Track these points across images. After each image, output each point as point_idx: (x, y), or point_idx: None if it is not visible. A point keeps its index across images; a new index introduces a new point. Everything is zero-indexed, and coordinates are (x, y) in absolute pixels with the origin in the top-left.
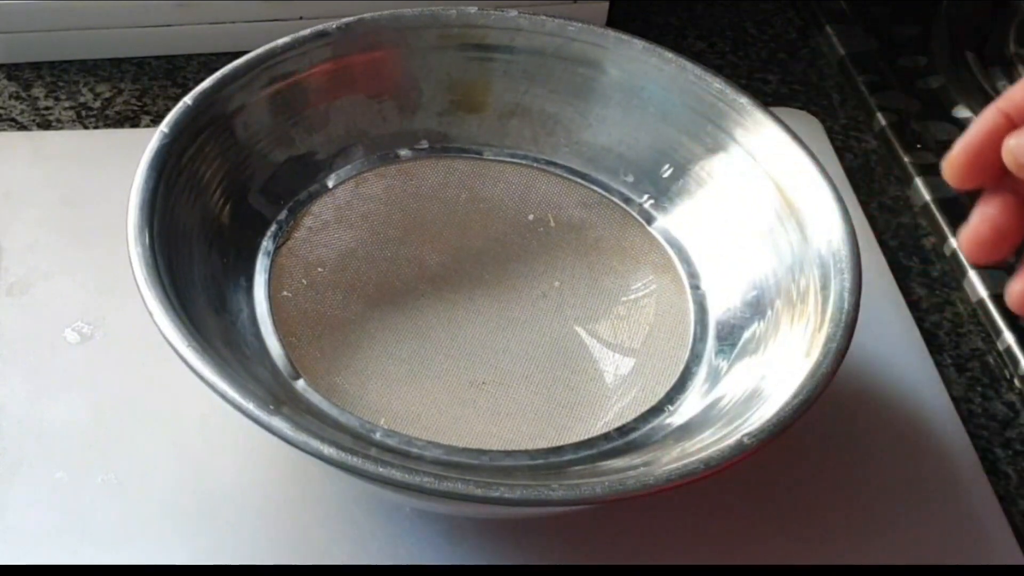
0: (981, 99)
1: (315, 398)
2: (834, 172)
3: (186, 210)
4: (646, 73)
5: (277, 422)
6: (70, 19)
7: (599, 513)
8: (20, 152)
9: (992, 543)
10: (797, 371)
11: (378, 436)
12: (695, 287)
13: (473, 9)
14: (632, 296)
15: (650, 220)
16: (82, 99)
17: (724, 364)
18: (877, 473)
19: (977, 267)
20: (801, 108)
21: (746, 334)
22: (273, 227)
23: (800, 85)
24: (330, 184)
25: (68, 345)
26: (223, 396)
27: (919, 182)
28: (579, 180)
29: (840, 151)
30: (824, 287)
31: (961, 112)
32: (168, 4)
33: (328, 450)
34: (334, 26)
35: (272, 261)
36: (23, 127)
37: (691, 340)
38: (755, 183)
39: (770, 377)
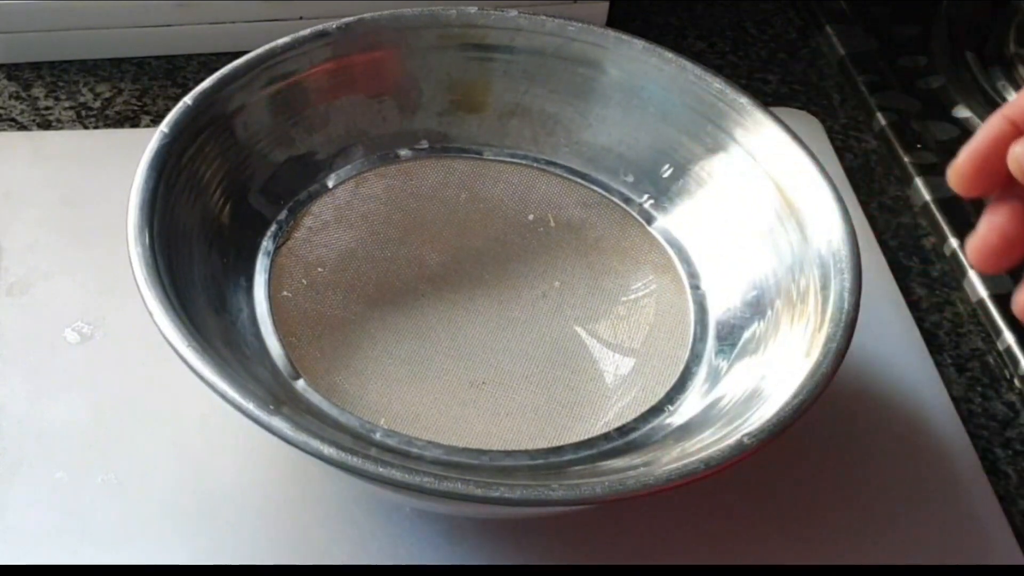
0: (981, 99)
1: (315, 398)
2: (834, 172)
3: (186, 210)
4: (646, 73)
5: (277, 422)
6: (70, 19)
7: (599, 513)
8: (20, 152)
9: (992, 543)
10: (797, 371)
11: (378, 436)
12: (695, 287)
13: (473, 9)
14: (632, 296)
15: (650, 220)
16: (82, 99)
17: (724, 364)
18: (877, 473)
19: (984, 275)
20: (801, 108)
21: (746, 334)
22: (273, 227)
23: (800, 85)
24: (330, 184)
25: (68, 345)
26: (223, 396)
27: (919, 182)
28: (579, 180)
29: (840, 151)
30: (824, 287)
31: (961, 112)
32: (168, 4)
33: (328, 450)
34: (334, 26)
35: (272, 261)
36: (23, 127)
37: (691, 340)
38: (755, 183)
39: (770, 377)
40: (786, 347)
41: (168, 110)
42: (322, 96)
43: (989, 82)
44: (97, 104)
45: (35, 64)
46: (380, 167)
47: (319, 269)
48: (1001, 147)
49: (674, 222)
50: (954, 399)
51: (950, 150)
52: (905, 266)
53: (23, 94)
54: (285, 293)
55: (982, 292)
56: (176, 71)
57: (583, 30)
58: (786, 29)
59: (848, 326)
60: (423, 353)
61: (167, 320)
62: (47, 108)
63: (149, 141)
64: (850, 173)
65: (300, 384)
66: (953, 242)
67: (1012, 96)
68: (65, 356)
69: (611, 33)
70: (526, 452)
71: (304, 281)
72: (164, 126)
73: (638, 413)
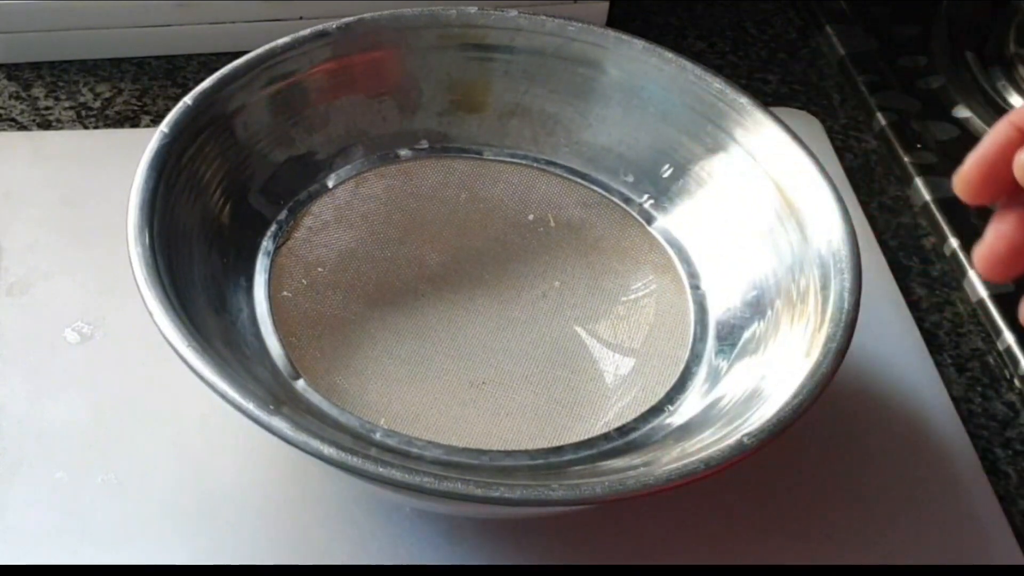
0: (981, 99)
1: (315, 398)
2: (834, 172)
3: (186, 210)
4: (646, 73)
5: (277, 422)
6: (70, 19)
7: (599, 513)
8: (20, 152)
9: (992, 543)
10: (797, 371)
11: (378, 436)
12: (695, 287)
13: (473, 9)
14: (632, 296)
15: (650, 220)
16: (82, 99)
17: (724, 364)
18: (877, 473)
19: (992, 283)
20: (801, 108)
21: (746, 334)
22: (273, 227)
23: (800, 85)
24: (330, 184)
25: (68, 345)
26: (223, 396)
27: (919, 182)
28: (579, 180)
29: (840, 151)
30: (824, 287)
31: (961, 112)
32: (168, 4)
33: (328, 450)
34: (334, 26)
35: (272, 261)
36: (23, 127)
37: (691, 340)
38: (755, 183)
39: (770, 377)
40: (786, 347)
41: (168, 110)
42: (322, 96)
43: (989, 82)
44: (97, 104)
45: (35, 64)
46: (380, 167)
47: (319, 269)
48: (1008, 154)
49: (674, 222)
50: (954, 399)
51: (950, 150)
52: (905, 266)
53: (23, 94)
54: (285, 293)
55: (982, 292)
56: (176, 71)
57: (583, 30)
58: (786, 29)
59: (848, 326)
60: (423, 353)
61: (167, 320)
62: (47, 108)
63: (149, 141)
64: (850, 173)
65: (300, 384)
66: (953, 242)
67: (1012, 96)
68: (65, 356)
69: (611, 33)
70: (526, 452)
71: (304, 281)
72: (164, 126)
73: (638, 413)
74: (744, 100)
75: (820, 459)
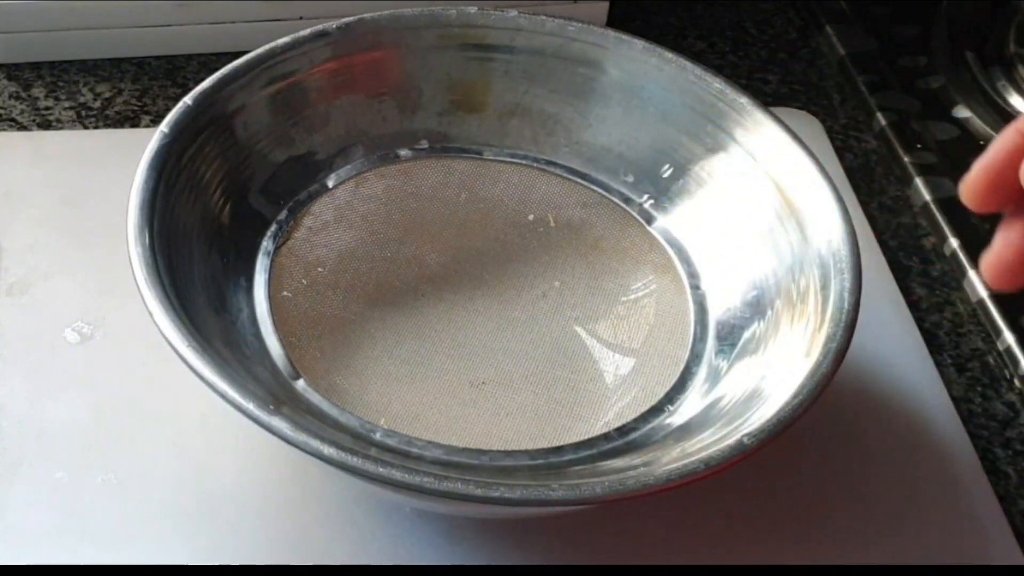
0: (981, 99)
1: (315, 398)
2: (834, 172)
3: (186, 210)
4: (646, 73)
5: (277, 422)
6: (70, 19)
7: (599, 513)
8: (20, 152)
9: (992, 543)
10: (797, 371)
11: (378, 436)
12: (695, 287)
13: (473, 9)
14: (632, 296)
15: (650, 220)
16: (82, 99)
17: (724, 364)
18: (877, 473)
19: (1000, 293)
20: (801, 108)
21: (746, 334)
22: (273, 227)
23: (800, 85)
24: (330, 184)
25: (68, 345)
26: (223, 396)
27: (919, 182)
28: (579, 180)
29: (840, 151)
30: (824, 287)
31: (961, 112)
32: (168, 4)
33: (328, 450)
34: (334, 26)
35: (272, 261)
36: (23, 127)
37: (691, 340)
38: (755, 183)
39: (770, 377)
40: (786, 347)
41: (168, 110)
42: (322, 96)
43: (989, 82)
44: (97, 104)
45: (35, 64)
46: (380, 167)
47: (319, 269)
48: (1014, 161)
49: (674, 222)
50: (954, 399)
51: (950, 150)
52: (905, 266)
53: (23, 94)
54: (285, 293)
55: (982, 292)
56: (176, 71)
57: (583, 30)
58: (786, 29)
59: (848, 326)
60: (423, 353)
61: (167, 320)
62: (47, 108)
63: (149, 141)
64: (850, 173)
65: (300, 384)
66: (953, 242)
67: (1012, 96)
68: (65, 356)
69: (611, 33)
70: (526, 452)
71: (304, 281)
72: (164, 126)
73: (638, 413)
74: (744, 100)
75: (820, 459)
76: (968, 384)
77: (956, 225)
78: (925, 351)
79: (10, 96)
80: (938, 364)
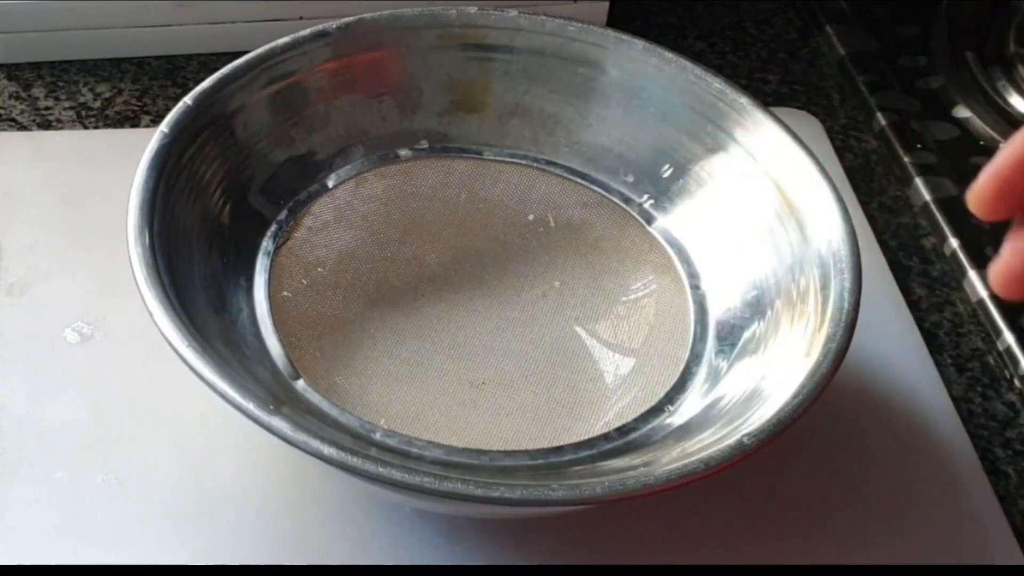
0: (981, 99)
1: (315, 398)
2: (834, 172)
3: (186, 210)
4: (646, 73)
5: (277, 422)
6: (70, 19)
7: (599, 513)
8: (20, 152)
9: (992, 543)
10: (797, 371)
11: (378, 436)
12: (695, 287)
13: (473, 9)
14: (632, 296)
15: (650, 220)
16: (82, 99)
17: (724, 364)
18: (877, 473)
19: (1009, 303)
20: (801, 108)
21: (746, 334)
22: (273, 227)
23: (800, 85)
24: (330, 184)
25: (68, 345)
26: (223, 396)
27: (919, 182)
28: (579, 180)
29: (840, 151)
30: (824, 287)
31: (961, 112)
32: (168, 4)
33: (328, 450)
34: (334, 26)
35: (272, 261)
36: (23, 127)
37: (691, 340)
38: (755, 183)
39: (770, 377)
40: (786, 347)
41: (168, 110)
42: (322, 96)
43: (989, 82)
44: (97, 104)
45: (35, 64)
46: (380, 167)
47: (319, 269)
48: (1023, 168)
49: (674, 222)
50: (954, 399)
51: (950, 150)
52: (905, 266)
53: (23, 94)
54: (285, 293)
55: (982, 292)
56: (176, 71)
57: (583, 30)
58: (786, 29)
59: (848, 326)
60: (423, 353)
61: (167, 320)
62: (47, 108)
63: (149, 141)
64: (850, 173)
65: (300, 384)
66: (953, 242)
67: (1012, 96)
68: (65, 356)
69: (611, 33)
70: (526, 452)
71: (304, 281)
72: (164, 126)
73: (638, 413)
74: (744, 100)
75: (820, 459)
76: (968, 384)
77: (956, 225)
78: (925, 351)
79: (10, 96)
80: (938, 364)
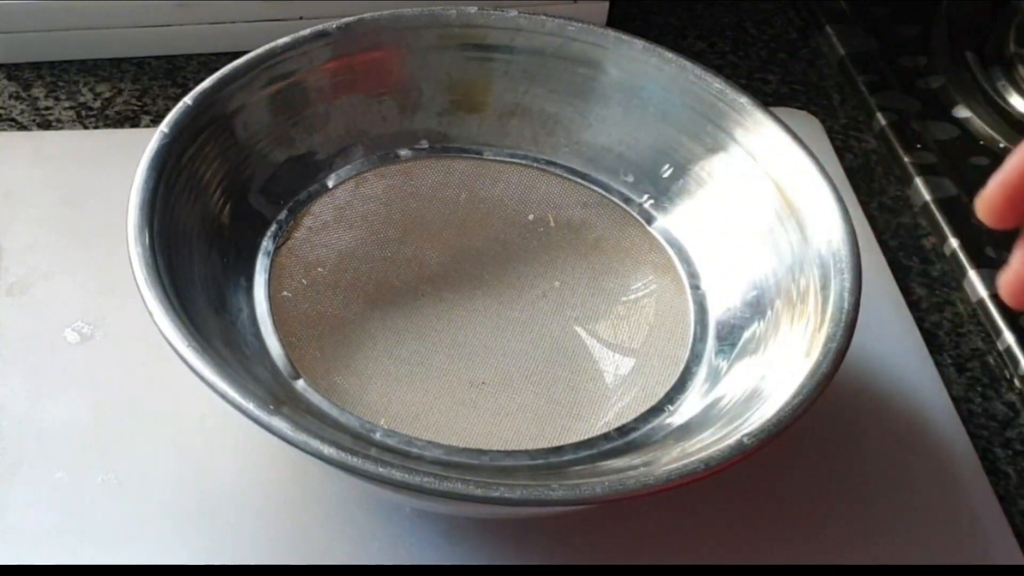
0: (981, 99)
1: (315, 398)
2: (834, 172)
3: (186, 210)
4: (646, 73)
5: (277, 422)
6: (70, 19)
7: (599, 513)
8: (20, 152)
9: (992, 543)
10: (797, 371)
11: (378, 436)
12: (695, 287)
13: (473, 9)
14: (632, 296)
15: (650, 220)
16: (82, 99)
17: (724, 364)
18: (877, 473)
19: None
20: (801, 108)
21: (746, 334)
22: (273, 227)
23: (800, 85)
24: (330, 184)
25: (68, 345)
26: (223, 396)
27: (919, 182)
28: (579, 180)
29: (840, 151)
30: (824, 287)
31: (961, 112)
32: (168, 4)
33: (328, 450)
34: (334, 26)
35: (272, 261)
36: (23, 127)
37: (691, 340)
38: (755, 183)
39: (770, 377)
40: (786, 347)
41: (168, 110)
42: (322, 96)
43: (989, 82)
44: (97, 104)
45: (35, 64)
46: (380, 167)
47: (319, 269)
48: None
49: (674, 222)
50: (954, 399)
51: (950, 150)
52: (905, 266)
53: (23, 94)
54: (285, 293)
55: (982, 292)
56: (176, 71)
57: (583, 30)
58: (786, 29)
59: (848, 326)
60: (423, 353)
61: (167, 320)
62: (47, 108)
63: (149, 141)
64: (850, 173)
65: (300, 384)
66: (953, 242)
67: (1012, 96)
68: (65, 356)
69: (611, 33)
70: (526, 452)
71: (304, 281)
72: (164, 126)
73: (638, 413)
74: (744, 100)
75: (820, 459)
76: (968, 384)
77: (956, 225)
78: (925, 351)
79: (10, 96)
80: (938, 364)
